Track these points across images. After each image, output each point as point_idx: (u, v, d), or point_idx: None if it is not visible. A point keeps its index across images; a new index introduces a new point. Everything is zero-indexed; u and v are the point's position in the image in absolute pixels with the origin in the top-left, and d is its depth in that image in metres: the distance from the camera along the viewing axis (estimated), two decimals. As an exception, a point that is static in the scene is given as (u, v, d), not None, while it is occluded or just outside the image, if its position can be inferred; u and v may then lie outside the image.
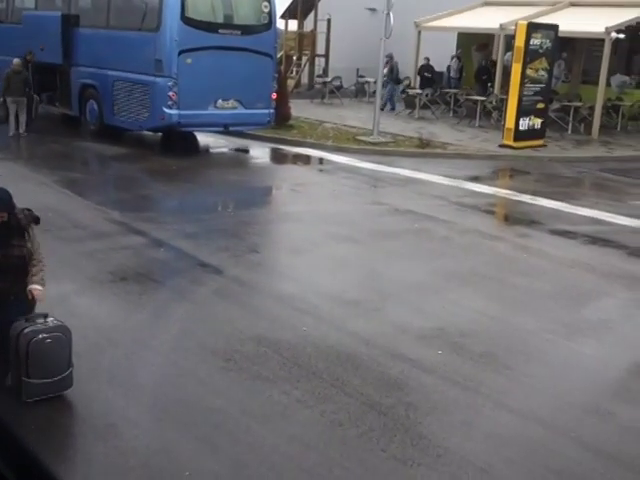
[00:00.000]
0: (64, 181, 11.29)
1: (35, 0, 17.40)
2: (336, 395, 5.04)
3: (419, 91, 21.14)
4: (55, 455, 4.20)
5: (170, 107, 13.52)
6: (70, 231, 8.61)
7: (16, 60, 14.82)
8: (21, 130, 14.75)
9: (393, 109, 21.51)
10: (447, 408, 4.98)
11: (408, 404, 4.96)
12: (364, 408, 4.88)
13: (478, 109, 19.14)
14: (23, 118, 14.78)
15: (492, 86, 20.49)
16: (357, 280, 7.68)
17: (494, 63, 21.10)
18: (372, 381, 5.28)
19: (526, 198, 11.84)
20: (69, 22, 15.48)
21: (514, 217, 11.35)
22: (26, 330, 4.59)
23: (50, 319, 4.74)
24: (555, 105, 18.27)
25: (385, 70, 20.69)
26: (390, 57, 20.73)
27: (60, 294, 6.05)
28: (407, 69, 22.40)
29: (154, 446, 4.37)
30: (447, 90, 21.60)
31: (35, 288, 4.69)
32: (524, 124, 16.05)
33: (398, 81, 22.30)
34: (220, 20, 14.13)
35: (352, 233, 9.29)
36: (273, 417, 4.71)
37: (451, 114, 20.80)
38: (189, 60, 13.54)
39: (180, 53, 13.44)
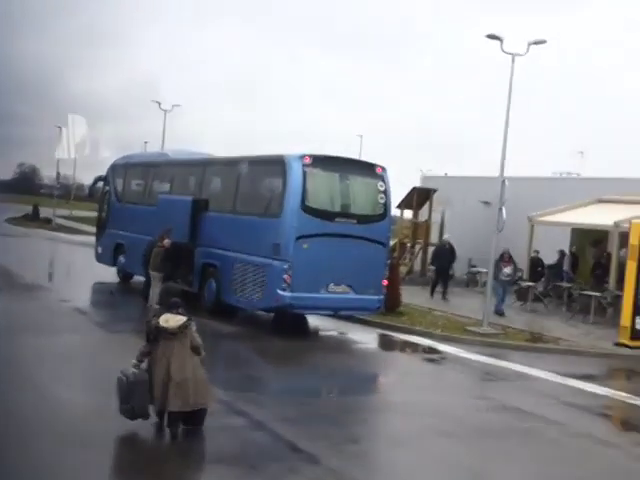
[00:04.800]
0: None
1: (170, 185, 19.08)
2: None
3: (531, 284, 20.98)
4: None
5: (284, 289, 14.01)
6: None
7: (167, 241, 15.94)
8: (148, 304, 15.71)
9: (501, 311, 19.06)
10: None
11: None
12: None
13: (592, 305, 18.70)
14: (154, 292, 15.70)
15: (607, 282, 20.07)
16: (458, 481, 7.34)
17: (610, 256, 20.80)
18: None
19: (645, 403, 11.18)
20: (199, 206, 16.75)
21: (631, 423, 10.70)
22: None
23: None
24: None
25: (508, 269, 18.99)
26: (508, 254, 19.34)
27: (156, 473, 6.09)
28: (519, 261, 22.36)
29: None
30: (560, 284, 21.34)
31: None
32: (641, 323, 15.47)
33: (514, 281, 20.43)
34: (337, 209, 14.83)
35: (456, 429, 8.98)
36: None
37: (564, 308, 20.39)
38: (305, 245, 14.17)
39: (297, 238, 14.12)
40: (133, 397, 7.31)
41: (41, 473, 6.34)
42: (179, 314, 7.58)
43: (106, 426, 7.58)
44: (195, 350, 7.61)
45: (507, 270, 19.02)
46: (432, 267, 24.55)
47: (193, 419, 7.55)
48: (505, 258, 19.10)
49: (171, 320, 7.49)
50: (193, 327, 7.62)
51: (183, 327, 7.49)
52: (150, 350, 7.52)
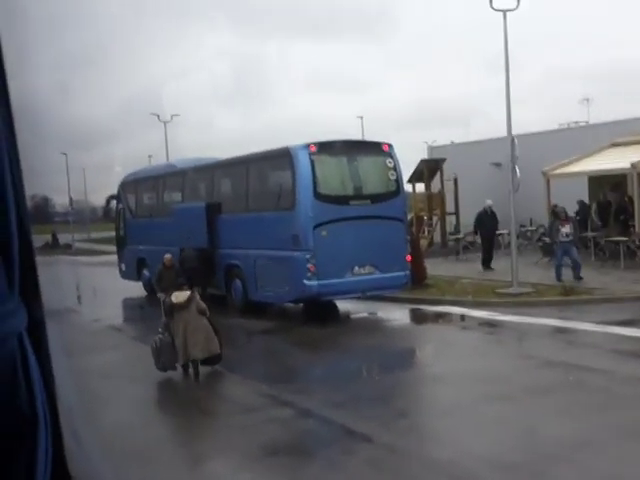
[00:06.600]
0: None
1: (181, 193, 19.10)
2: None
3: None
4: None
5: (309, 279, 13.97)
6: (222, 406, 8.82)
7: (167, 255, 15.75)
8: None
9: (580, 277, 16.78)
10: None
11: None
12: None
13: (621, 250, 18.47)
14: None
15: (632, 225, 19.81)
16: (515, 441, 7.25)
17: (631, 200, 20.50)
18: None
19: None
20: (212, 210, 16.76)
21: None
22: None
23: None
24: None
25: (567, 228, 17.00)
26: (565, 212, 17.88)
27: (215, 473, 6.10)
28: (538, 218, 22.23)
29: None
30: (585, 234, 21.09)
31: None
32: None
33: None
34: (350, 192, 14.75)
35: (503, 390, 8.91)
36: None
37: (592, 258, 20.17)
38: (324, 233, 14.11)
39: (315, 227, 14.06)
40: (162, 356, 9.77)
41: None
42: (184, 290, 10.07)
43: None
44: (202, 312, 9.91)
45: (565, 229, 16.95)
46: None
47: (211, 362, 10.02)
48: (562, 217, 17.47)
49: (179, 296, 9.94)
50: (197, 296, 10.09)
51: (190, 299, 9.89)
52: (169, 322, 9.96)
